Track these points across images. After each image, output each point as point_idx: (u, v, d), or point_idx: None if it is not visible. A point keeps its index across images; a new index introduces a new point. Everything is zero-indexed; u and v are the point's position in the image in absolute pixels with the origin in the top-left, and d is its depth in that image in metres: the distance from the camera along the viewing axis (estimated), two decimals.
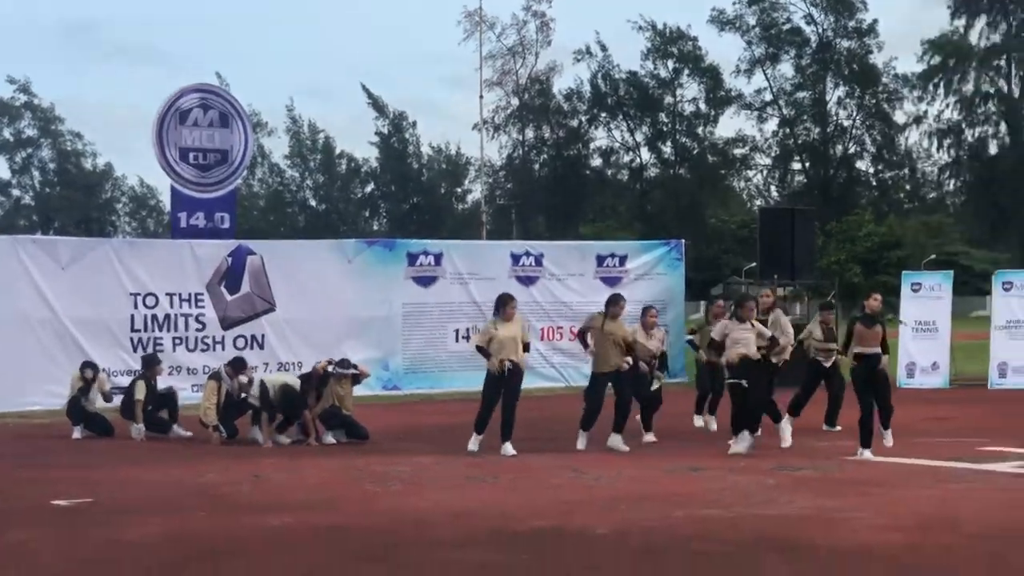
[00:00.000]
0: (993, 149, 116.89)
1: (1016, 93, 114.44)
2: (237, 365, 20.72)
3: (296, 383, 20.00)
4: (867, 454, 17.23)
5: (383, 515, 12.73)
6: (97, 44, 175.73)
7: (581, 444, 18.59)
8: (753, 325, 18.26)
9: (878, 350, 17.63)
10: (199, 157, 26.83)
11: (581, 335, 19.04)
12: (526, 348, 18.39)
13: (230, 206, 27.55)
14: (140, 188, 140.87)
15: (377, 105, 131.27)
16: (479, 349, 18.38)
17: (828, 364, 20.43)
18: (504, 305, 18.28)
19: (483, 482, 15.33)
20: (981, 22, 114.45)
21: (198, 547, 11.07)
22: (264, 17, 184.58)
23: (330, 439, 19.88)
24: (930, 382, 29.61)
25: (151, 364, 21.61)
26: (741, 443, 17.89)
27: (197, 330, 24.57)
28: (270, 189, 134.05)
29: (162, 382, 21.70)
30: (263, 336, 24.99)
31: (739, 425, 18.04)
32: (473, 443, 18.28)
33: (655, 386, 19.56)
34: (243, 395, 20.25)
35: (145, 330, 24.15)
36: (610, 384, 18.65)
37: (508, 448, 17.83)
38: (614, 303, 18.85)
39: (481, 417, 18.27)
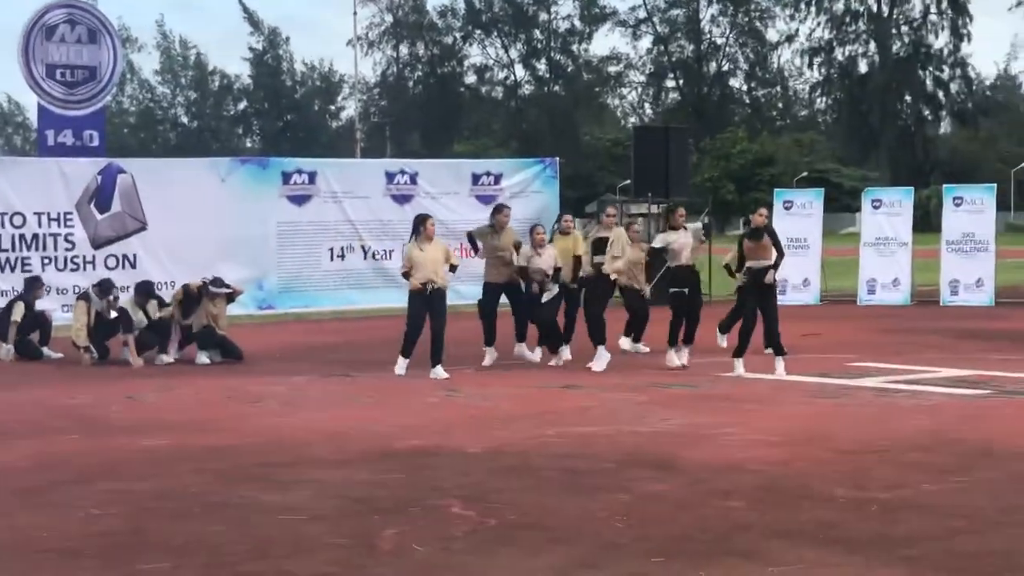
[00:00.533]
0: (863, 68, 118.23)
1: (885, 12, 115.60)
2: (105, 286, 20.48)
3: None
4: (740, 368, 17.53)
5: (258, 435, 12.70)
6: None
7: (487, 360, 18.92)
8: (686, 229, 18.63)
9: (766, 262, 17.72)
10: (67, 74, 26.36)
11: (469, 237, 19.29)
12: (452, 268, 18.00)
13: (99, 124, 27.14)
14: (8, 105, 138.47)
15: (252, 20, 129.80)
16: (404, 275, 17.92)
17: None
18: (421, 225, 17.85)
19: (358, 402, 15.34)
20: None
21: (69, 470, 10.97)
22: None
23: (204, 359, 19.76)
24: (801, 298, 30.02)
25: (33, 286, 21.34)
26: (600, 360, 18.01)
27: (67, 249, 24.20)
28: (141, 106, 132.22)
29: (37, 304, 21.44)
30: (135, 256, 24.68)
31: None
32: (400, 367, 17.73)
33: (545, 298, 19.13)
34: (112, 314, 20.04)
35: (13, 250, 23.72)
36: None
37: (440, 371, 17.43)
38: (497, 211, 19.10)
39: (408, 340, 17.77)
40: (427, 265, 17.57)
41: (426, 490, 9.91)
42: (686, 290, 18.64)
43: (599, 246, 18.28)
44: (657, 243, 18.90)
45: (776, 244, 17.71)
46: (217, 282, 20.32)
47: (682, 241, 18.53)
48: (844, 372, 17.51)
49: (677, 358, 18.43)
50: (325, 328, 25.61)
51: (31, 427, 13.54)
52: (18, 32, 26.16)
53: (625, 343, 20.24)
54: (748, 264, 17.67)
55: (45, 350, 20.81)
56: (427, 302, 17.61)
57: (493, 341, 18.96)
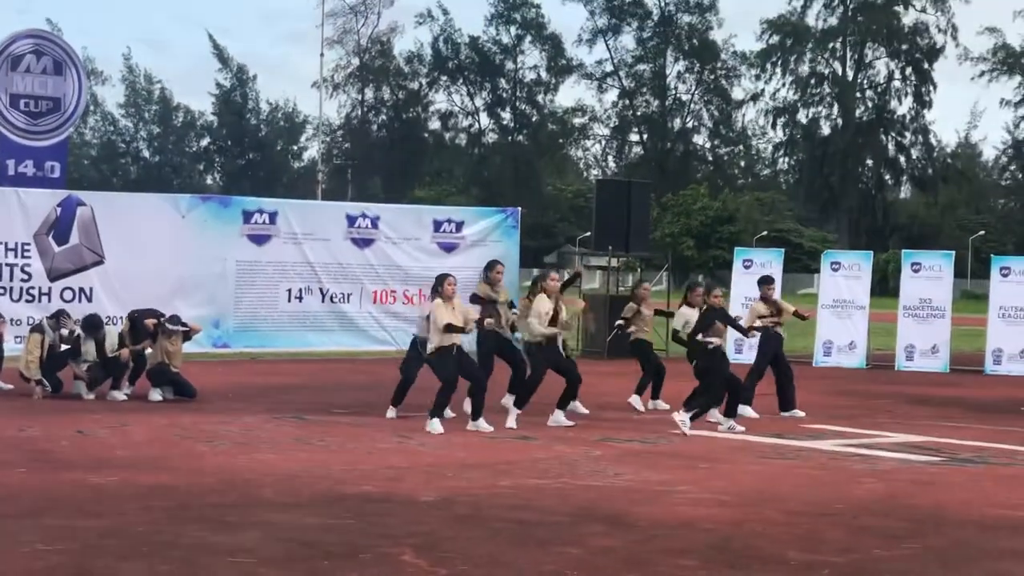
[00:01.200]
0: (826, 130, 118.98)
1: (850, 76, 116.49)
2: (59, 317, 20.38)
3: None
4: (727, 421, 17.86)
5: (209, 475, 12.61)
6: None
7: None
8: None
9: (719, 341, 18.09)
10: (31, 104, 26.29)
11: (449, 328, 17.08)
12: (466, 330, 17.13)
13: (61, 155, 27.05)
14: None
15: (222, 57, 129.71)
16: (448, 327, 16.63)
17: (783, 333, 20.26)
18: (440, 284, 16.91)
19: (311, 445, 15.25)
20: (818, 4, 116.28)
21: (15, 504, 10.86)
22: None
23: (156, 396, 19.63)
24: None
25: None
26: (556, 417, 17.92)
27: (23, 280, 24.06)
28: (103, 138, 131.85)
29: None
30: (91, 289, 24.54)
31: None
32: (435, 426, 16.63)
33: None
34: (64, 347, 19.90)
35: None
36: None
37: (483, 424, 16.89)
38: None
39: (444, 396, 16.81)
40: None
41: (377, 536, 9.85)
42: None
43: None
44: (676, 323, 19.38)
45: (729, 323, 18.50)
46: (174, 319, 20.21)
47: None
48: (798, 433, 17.52)
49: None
50: (280, 369, 25.50)
51: None
52: None
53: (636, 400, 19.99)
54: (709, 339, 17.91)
55: None
56: (458, 362, 16.89)
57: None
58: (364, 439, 15.78)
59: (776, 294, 21.10)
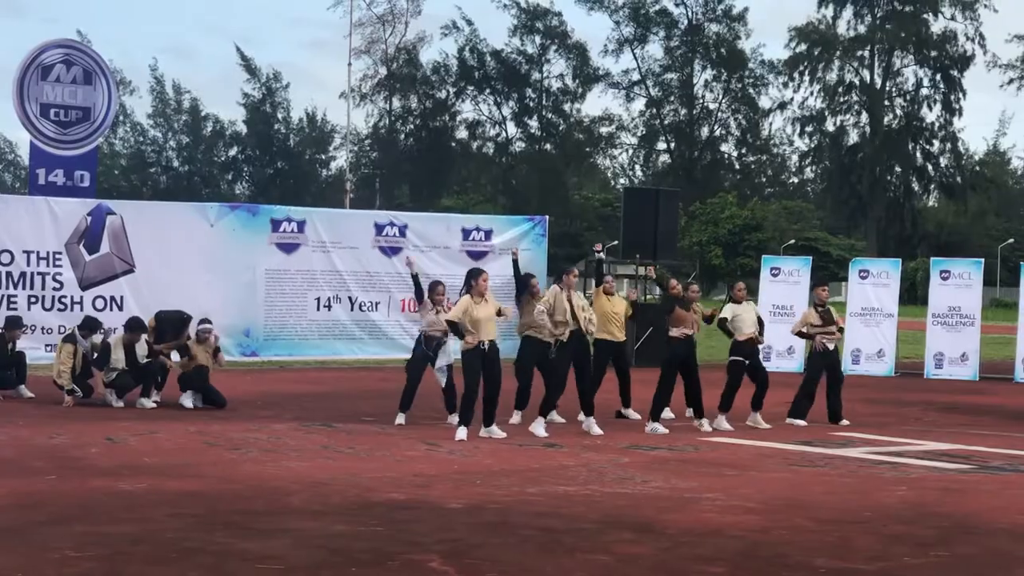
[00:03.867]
0: (854, 138, 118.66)
1: (878, 84, 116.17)
2: (91, 325, 20.51)
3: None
4: (659, 428, 18.02)
5: (238, 482, 12.63)
6: None
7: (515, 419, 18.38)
8: (750, 303, 19.77)
9: (693, 331, 18.47)
10: (60, 114, 26.39)
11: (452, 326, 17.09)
12: (498, 313, 17.05)
13: (91, 164, 27.14)
14: (2, 143, 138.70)
15: (249, 67, 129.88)
16: (451, 325, 16.88)
17: (832, 347, 20.19)
18: (474, 279, 16.90)
19: (340, 452, 15.27)
20: (848, 12, 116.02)
21: (45, 511, 10.90)
22: None
23: (188, 402, 19.72)
24: (786, 366, 29.98)
25: (12, 326, 21.25)
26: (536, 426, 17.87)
27: (54, 289, 24.14)
28: (132, 149, 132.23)
29: (20, 343, 21.35)
30: (122, 297, 24.61)
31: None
32: (462, 433, 16.64)
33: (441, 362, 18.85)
34: (95, 355, 19.99)
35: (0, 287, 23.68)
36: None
37: (495, 430, 16.91)
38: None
39: (469, 404, 16.76)
40: (485, 324, 16.74)
41: (405, 544, 9.85)
42: (746, 360, 19.33)
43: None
44: (725, 313, 19.40)
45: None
46: (205, 323, 20.43)
47: (745, 316, 19.29)
48: (827, 441, 17.49)
49: (726, 423, 18.75)
50: (308, 377, 25.55)
51: (9, 466, 13.46)
52: (13, 70, 26.21)
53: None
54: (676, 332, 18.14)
55: (21, 388, 20.70)
56: (483, 360, 16.74)
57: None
58: (392, 447, 15.80)
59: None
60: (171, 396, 20.16)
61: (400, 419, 18.24)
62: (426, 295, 18.73)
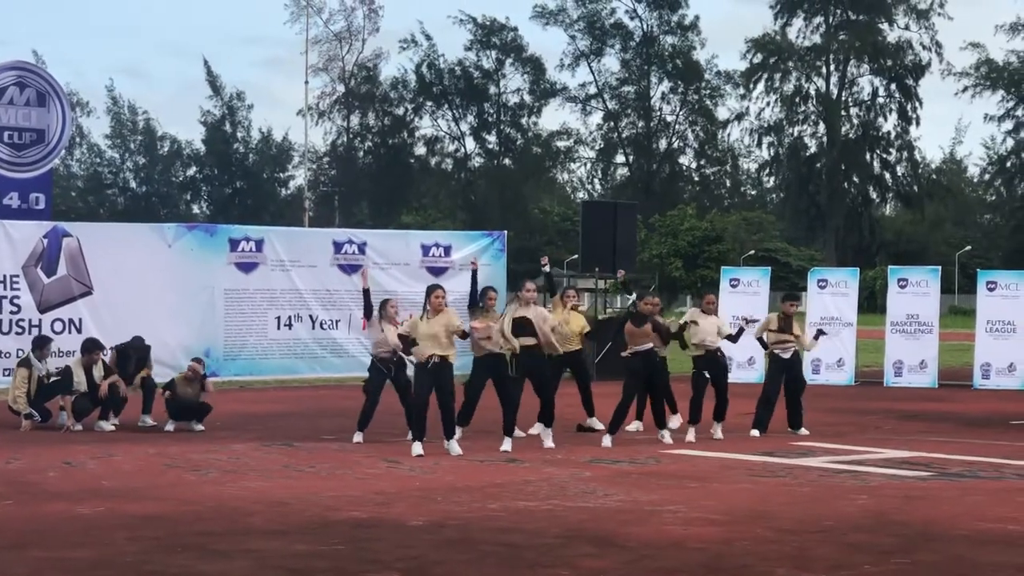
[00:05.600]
0: (812, 148, 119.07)
1: (835, 94, 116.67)
2: (40, 343, 20.47)
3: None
4: (607, 441, 17.93)
5: (198, 504, 12.58)
6: None
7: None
8: (716, 316, 19.93)
9: (648, 346, 18.30)
10: (14, 136, 26.21)
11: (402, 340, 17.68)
12: (462, 335, 17.09)
13: (46, 187, 26.96)
14: None
15: (214, 85, 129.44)
16: (401, 338, 17.34)
17: (786, 356, 20.26)
18: (428, 296, 17.05)
19: (301, 471, 15.23)
20: (800, 21, 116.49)
21: (2, 537, 10.81)
22: None
23: (170, 428, 19.63)
24: (746, 376, 29.98)
25: None
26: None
27: (12, 312, 23.97)
28: (89, 170, 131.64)
29: None
30: (80, 320, 24.45)
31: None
32: (417, 448, 16.67)
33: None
34: (55, 378, 19.87)
35: None
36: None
37: (454, 446, 16.79)
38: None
39: (417, 416, 16.85)
40: (427, 340, 16.76)
41: (366, 562, 9.82)
42: (707, 372, 19.38)
43: (521, 326, 17.72)
44: (686, 317, 19.74)
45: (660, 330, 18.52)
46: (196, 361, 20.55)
47: (706, 326, 19.41)
48: (788, 451, 17.53)
49: (693, 435, 18.84)
50: (268, 396, 25.47)
51: None
52: None
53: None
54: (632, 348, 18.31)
55: None
56: (433, 376, 16.75)
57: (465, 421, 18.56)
58: (353, 465, 15.76)
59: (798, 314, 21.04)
60: (131, 418, 20.05)
61: (358, 438, 18.21)
62: (376, 311, 18.72)
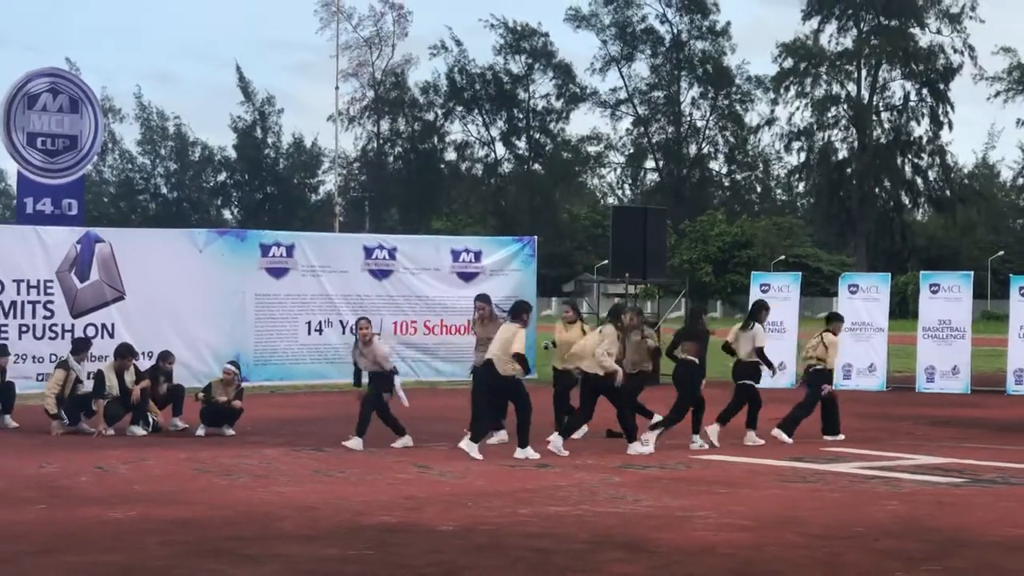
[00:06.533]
0: (843, 153, 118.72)
1: (866, 98, 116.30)
2: (81, 346, 20.60)
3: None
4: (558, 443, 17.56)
5: (228, 508, 12.61)
6: None
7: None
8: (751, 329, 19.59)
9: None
10: (47, 142, 26.35)
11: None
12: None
13: (78, 192, 27.09)
14: None
15: (246, 91, 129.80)
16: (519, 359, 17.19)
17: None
18: (527, 311, 17.73)
19: (330, 476, 15.24)
20: (832, 27, 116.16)
21: (35, 541, 10.86)
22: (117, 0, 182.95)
23: (201, 432, 19.65)
24: (777, 382, 29.91)
25: None
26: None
27: (45, 318, 24.10)
28: (121, 175, 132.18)
29: (9, 372, 21.25)
30: (113, 325, 24.57)
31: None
32: (474, 451, 16.99)
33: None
34: (89, 382, 19.93)
35: None
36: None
37: (529, 452, 16.97)
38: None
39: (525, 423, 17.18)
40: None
41: (395, 567, 9.83)
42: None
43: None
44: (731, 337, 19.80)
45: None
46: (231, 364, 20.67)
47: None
48: (818, 457, 17.47)
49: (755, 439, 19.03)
50: (298, 401, 25.51)
51: None
52: (0, 100, 26.17)
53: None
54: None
55: (6, 418, 20.57)
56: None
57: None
58: (383, 470, 15.77)
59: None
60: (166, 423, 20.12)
61: (356, 444, 18.08)
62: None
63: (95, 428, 19.54)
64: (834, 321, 20.80)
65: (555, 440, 17.52)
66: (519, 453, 16.99)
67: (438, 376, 27.64)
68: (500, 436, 18.58)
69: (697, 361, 18.60)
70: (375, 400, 18.32)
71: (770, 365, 19.66)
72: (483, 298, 19.43)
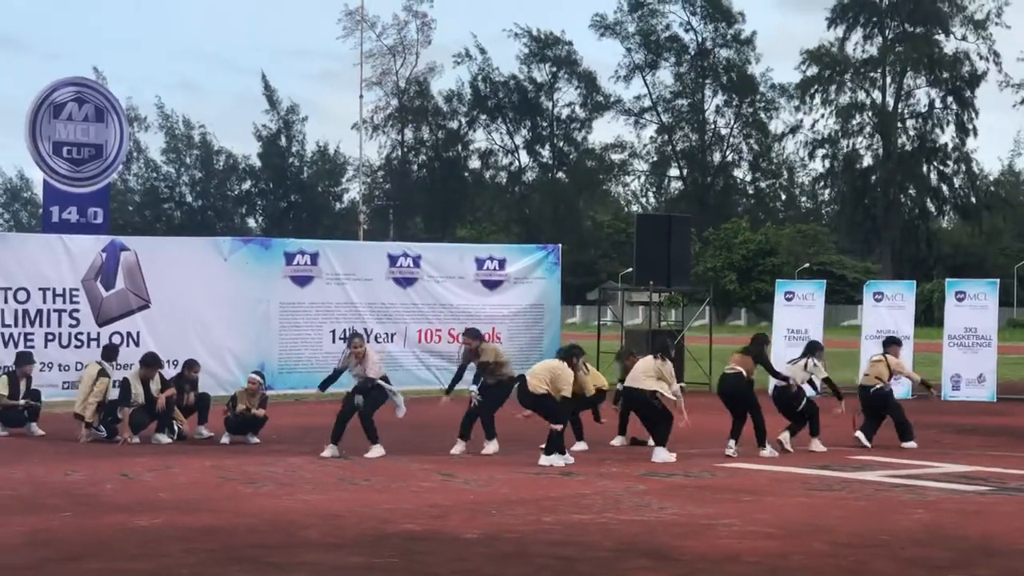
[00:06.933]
0: (868, 160, 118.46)
1: (891, 106, 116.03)
2: (110, 353, 20.74)
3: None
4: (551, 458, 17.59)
5: (253, 516, 12.62)
6: None
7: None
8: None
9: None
10: (73, 151, 26.44)
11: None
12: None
13: (104, 201, 27.17)
14: (18, 180, 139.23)
15: (271, 99, 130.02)
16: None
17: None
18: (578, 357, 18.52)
19: (355, 484, 15.26)
20: (858, 34, 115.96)
21: (60, 548, 10.90)
22: (139, 8, 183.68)
23: (226, 440, 19.71)
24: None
25: (23, 361, 21.24)
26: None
27: (71, 326, 24.15)
28: (146, 184, 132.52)
29: (35, 380, 21.31)
30: (138, 333, 24.61)
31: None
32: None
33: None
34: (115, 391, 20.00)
35: (16, 325, 23.67)
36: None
37: (555, 459, 17.29)
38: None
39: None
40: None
41: (421, 575, 9.82)
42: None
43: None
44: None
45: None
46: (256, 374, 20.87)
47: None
48: (844, 465, 17.44)
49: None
50: (323, 409, 25.44)
51: (24, 503, 13.47)
52: (26, 109, 26.28)
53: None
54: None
55: (33, 425, 20.65)
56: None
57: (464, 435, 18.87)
58: (408, 478, 15.78)
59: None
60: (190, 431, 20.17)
61: (331, 451, 18.20)
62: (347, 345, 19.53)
63: (120, 436, 19.61)
64: (891, 345, 21.84)
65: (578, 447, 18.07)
66: (543, 460, 17.07)
67: (462, 384, 27.55)
68: (580, 446, 18.97)
69: (745, 374, 18.81)
70: (371, 407, 18.65)
71: (839, 395, 20.10)
72: (472, 333, 19.88)
